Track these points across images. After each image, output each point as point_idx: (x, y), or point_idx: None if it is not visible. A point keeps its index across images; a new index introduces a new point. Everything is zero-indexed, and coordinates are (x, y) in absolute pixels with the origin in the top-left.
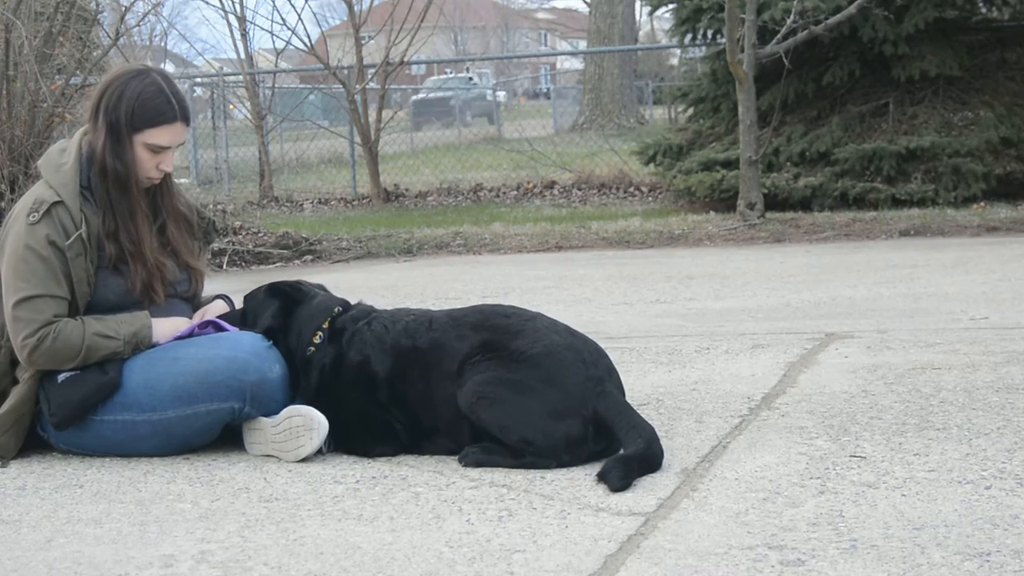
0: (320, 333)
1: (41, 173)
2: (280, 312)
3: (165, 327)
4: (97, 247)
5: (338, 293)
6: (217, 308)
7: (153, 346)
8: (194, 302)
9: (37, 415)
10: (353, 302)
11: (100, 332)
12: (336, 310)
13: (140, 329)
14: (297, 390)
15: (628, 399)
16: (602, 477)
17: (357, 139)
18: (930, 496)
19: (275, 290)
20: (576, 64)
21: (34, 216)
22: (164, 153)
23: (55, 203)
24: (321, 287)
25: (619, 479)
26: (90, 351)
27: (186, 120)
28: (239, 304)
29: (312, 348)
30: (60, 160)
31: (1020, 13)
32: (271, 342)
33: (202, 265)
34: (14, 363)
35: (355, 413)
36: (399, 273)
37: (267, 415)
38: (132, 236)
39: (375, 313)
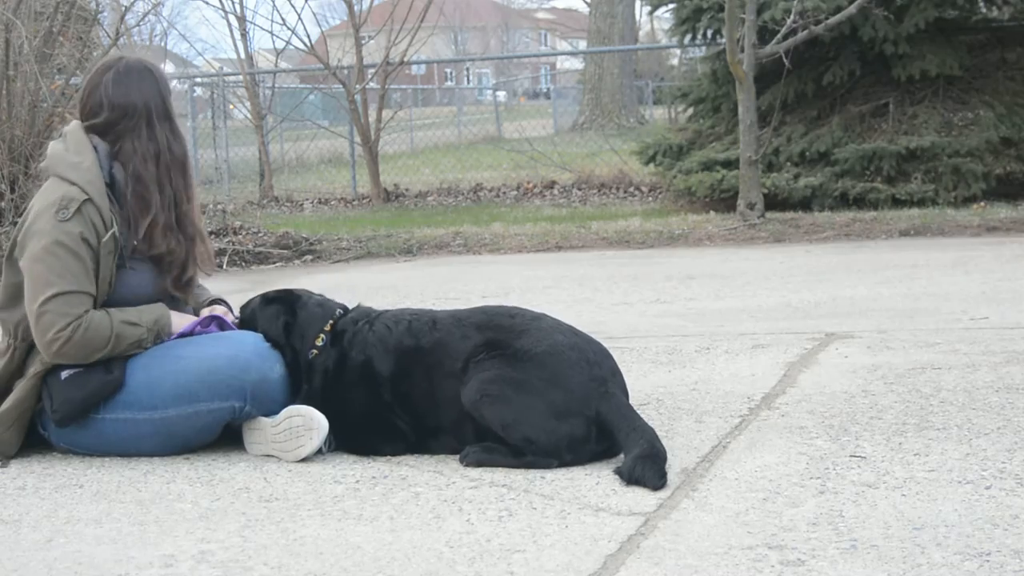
0: (322, 336)
1: (54, 171)
2: (280, 315)
3: (179, 319)
4: (121, 246)
5: (338, 293)
6: (218, 311)
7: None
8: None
9: (38, 414)
10: (352, 304)
11: (125, 320)
12: (337, 313)
13: (161, 316)
14: (298, 393)
15: (628, 398)
16: (637, 481)
17: (357, 139)
18: (930, 496)
19: (269, 299)
20: (576, 64)
21: (64, 213)
22: None
23: (85, 201)
24: (308, 292)
25: (658, 477)
26: (119, 338)
27: None
28: (237, 308)
29: (315, 351)
30: (74, 159)
31: (1020, 13)
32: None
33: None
34: (26, 361)
35: (360, 413)
36: (399, 273)
37: (268, 415)
38: (192, 217)
39: (377, 314)
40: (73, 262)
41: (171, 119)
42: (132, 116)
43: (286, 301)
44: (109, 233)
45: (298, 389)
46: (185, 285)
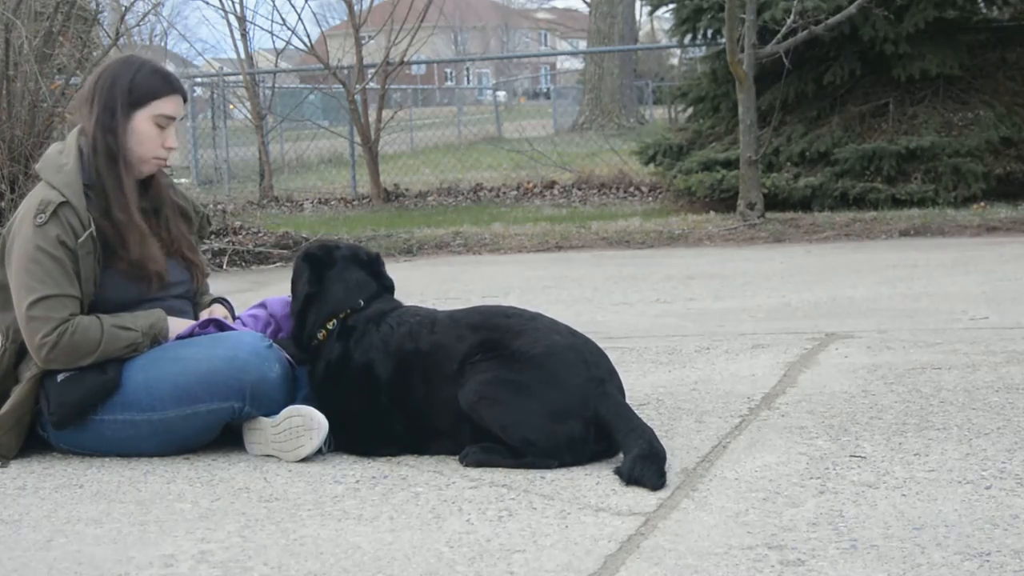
0: (334, 321)
1: (41, 175)
2: (313, 279)
3: (177, 323)
4: (103, 246)
5: None
6: (218, 313)
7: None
8: (195, 299)
9: (38, 415)
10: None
11: (117, 324)
12: (359, 304)
13: (157, 321)
14: (299, 366)
15: (628, 398)
16: (636, 481)
17: (357, 139)
18: (930, 496)
19: (309, 257)
20: (576, 64)
21: (41, 218)
22: (169, 128)
23: (61, 204)
24: (348, 263)
25: (657, 476)
26: (109, 343)
27: (184, 95)
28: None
29: (324, 332)
30: (60, 161)
31: (1020, 13)
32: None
33: (202, 260)
34: (18, 364)
35: (358, 415)
36: (399, 273)
37: (267, 415)
38: (122, 204)
39: (389, 315)
40: (53, 266)
41: (113, 112)
42: (83, 107)
43: (320, 265)
44: (87, 233)
45: (299, 362)
46: (149, 280)
